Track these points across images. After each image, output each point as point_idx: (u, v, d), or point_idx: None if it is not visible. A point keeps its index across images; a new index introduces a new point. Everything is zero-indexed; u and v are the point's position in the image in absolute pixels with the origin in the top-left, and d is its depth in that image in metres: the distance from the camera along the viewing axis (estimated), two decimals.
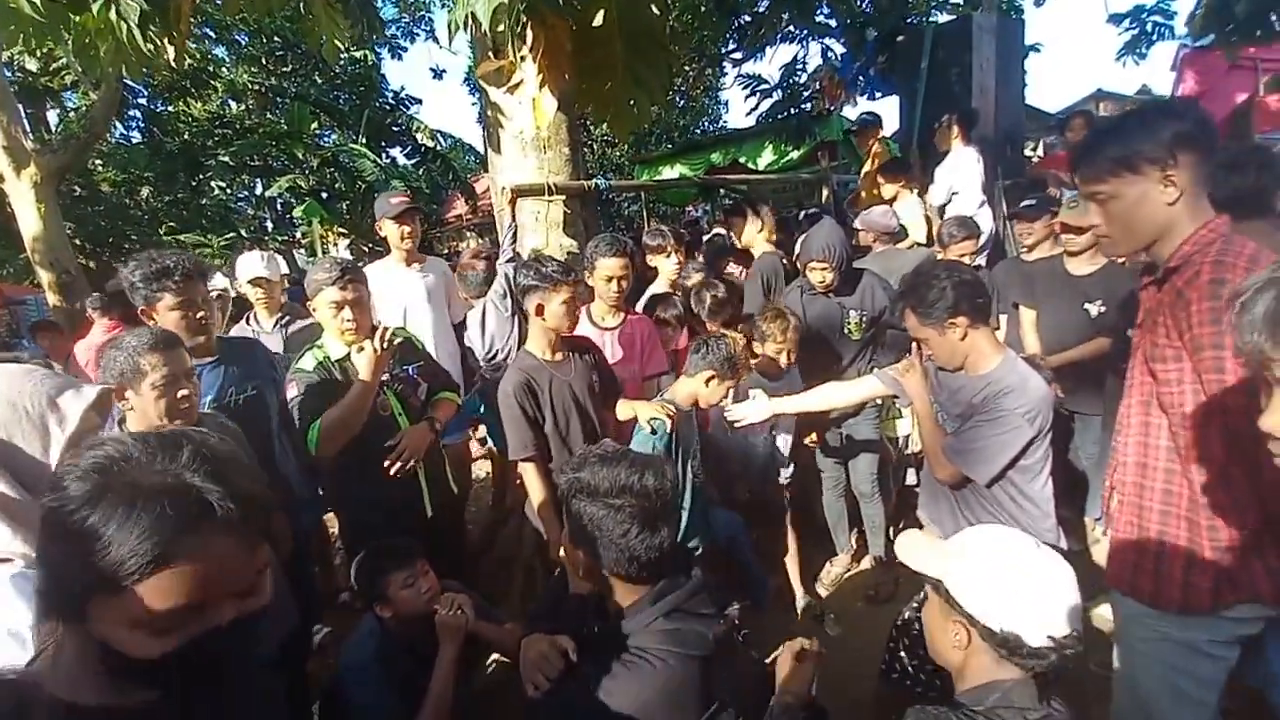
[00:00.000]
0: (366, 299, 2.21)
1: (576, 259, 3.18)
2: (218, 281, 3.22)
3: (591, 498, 1.17)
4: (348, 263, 2.22)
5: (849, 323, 2.80)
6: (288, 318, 3.28)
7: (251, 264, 3.22)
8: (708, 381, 2.16)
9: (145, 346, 1.69)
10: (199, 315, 2.10)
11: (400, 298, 3.20)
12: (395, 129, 15.01)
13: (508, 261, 3.19)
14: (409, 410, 2.29)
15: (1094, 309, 2.83)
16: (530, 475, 2.23)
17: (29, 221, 6.97)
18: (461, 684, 1.87)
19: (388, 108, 15.52)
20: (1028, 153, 6.66)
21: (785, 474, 2.85)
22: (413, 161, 15.04)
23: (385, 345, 2.09)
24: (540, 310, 2.20)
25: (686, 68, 9.59)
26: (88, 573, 0.63)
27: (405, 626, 1.90)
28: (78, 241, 11.60)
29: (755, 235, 3.62)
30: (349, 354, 2.18)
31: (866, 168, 5.20)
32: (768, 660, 1.46)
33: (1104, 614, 2.68)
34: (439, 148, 14.67)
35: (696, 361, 2.18)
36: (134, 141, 14.78)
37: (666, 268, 3.27)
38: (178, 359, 1.74)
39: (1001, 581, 1.06)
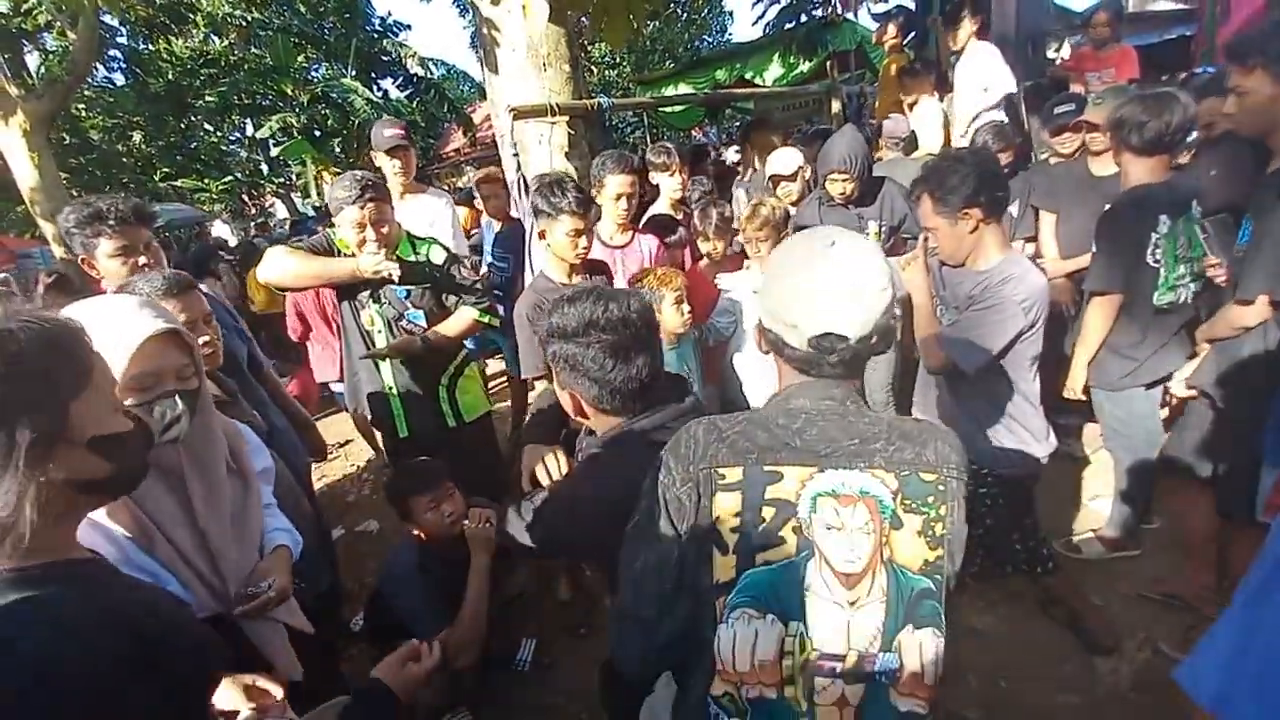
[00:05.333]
0: (390, 215, 2.17)
1: (583, 180, 3.11)
2: (218, 229, 3.17)
3: (564, 339, 1.19)
4: (369, 179, 2.13)
5: (868, 234, 2.75)
6: None
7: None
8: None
9: (159, 293, 1.59)
10: (142, 262, 1.92)
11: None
12: (385, 59, 14.43)
13: (521, 188, 3.15)
14: (392, 334, 2.27)
15: None
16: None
17: (24, 172, 6.88)
18: (494, 590, 1.96)
19: (375, 35, 14.84)
20: (1050, 54, 6.30)
21: None
22: (406, 94, 14.55)
23: (388, 272, 2.09)
24: (543, 235, 2.18)
25: None
26: None
27: (438, 541, 1.98)
28: (74, 192, 11.47)
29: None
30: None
31: (884, 71, 4.96)
32: None
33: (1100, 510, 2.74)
34: (432, 77, 14.13)
35: None
36: (118, 84, 14.32)
37: (669, 186, 3.17)
38: (195, 304, 1.68)
39: (772, 283, 1.00)
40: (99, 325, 1.09)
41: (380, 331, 2.25)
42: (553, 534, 1.29)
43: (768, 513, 0.91)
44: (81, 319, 1.07)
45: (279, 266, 2.13)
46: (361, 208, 2.05)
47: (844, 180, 2.64)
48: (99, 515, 1.12)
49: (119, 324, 1.13)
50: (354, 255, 2.16)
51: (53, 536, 0.79)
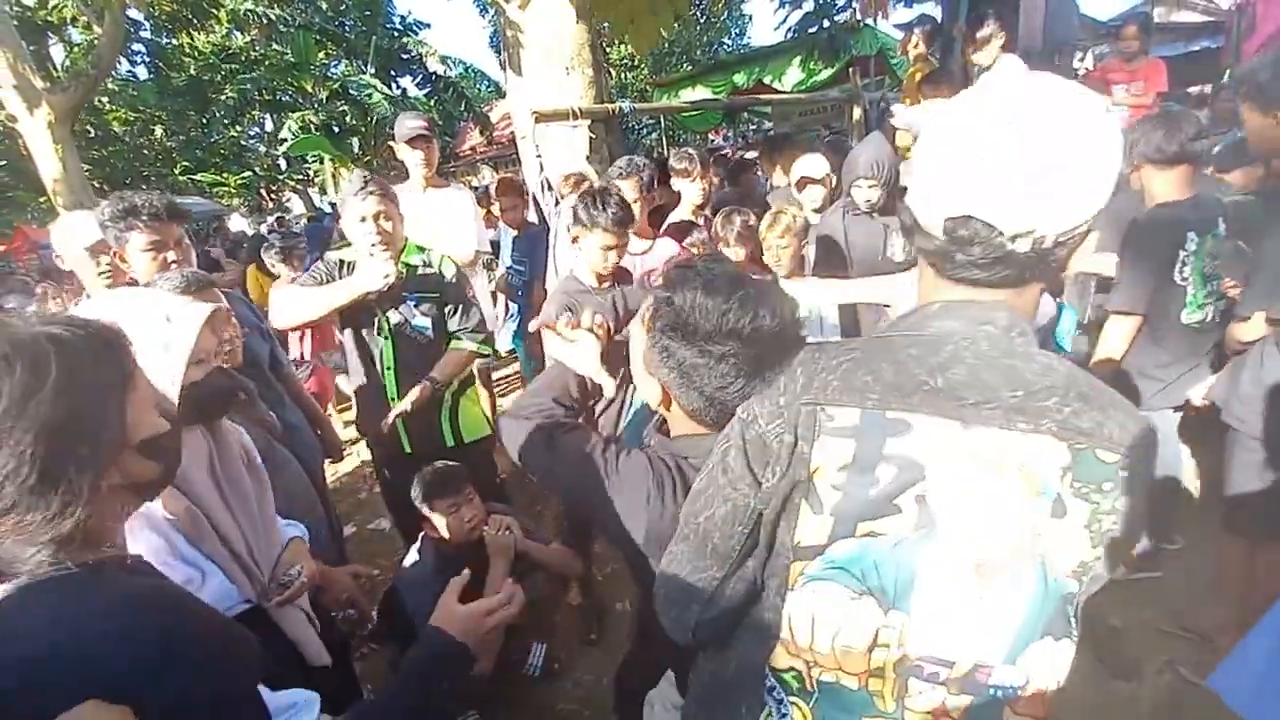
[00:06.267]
0: (395, 215, 2.15)
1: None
2: (235, 223, 3.19)
3: (688, 340, 0.91)
4: (376, 178, 2.13)
5: (893, 244, 2.72)
6: None
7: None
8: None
9: (178, 291, 1.63)
10: (170, 258, 1.97)
11: (424, 224, 3.15)
12: (404, 57, 14.54)
13: (545, 190, 3.14)
14: (397, 346, 2.23)
15: None
16: None
17: (48, 163, 6.96)
18: None
19: (395, 33, 14.95)
20: (1075, 64, 6.24)
21: None
22: (424, 92, 14.66)
23: (389, 275, 2.05)
24: (576, 240, 2.19)
25: None
26: None
27: (456, 546, 1.98)
28: (96, 184, 11.63)
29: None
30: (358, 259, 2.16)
31: (908, 79, 4.93)
32: None
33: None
34: (450, 75, 14.22)
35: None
36: (140, 78, 14.53)
37: (690, 193, 3.15)
38: (213, 301, 1.65)
39: (928, 133, 0.73)
40: (154, 311, 1.13)
41: (386, 338, 2.22)
42: (543, 465, 1.13)
43: (884, 473, 0.70)
44: (132, 308, 1.10)
45: (287, 309, 2.12)
46: (364, 200, 2.04)
47: (870, 187, 2.61)
48: (152, 505, 1.13)
49: (175, 309, 1.16)
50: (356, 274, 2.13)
51: (111, 533, 0.80)
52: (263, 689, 0.99)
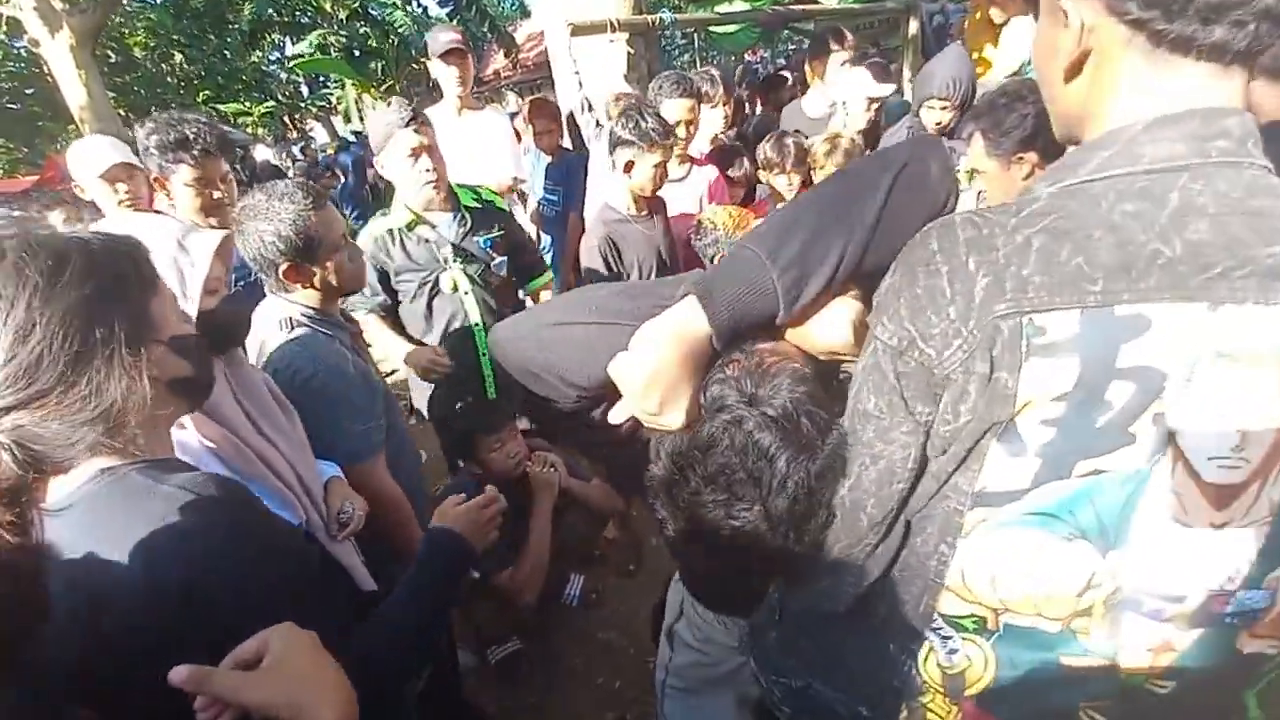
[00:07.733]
0: (437, 147, 2.02)
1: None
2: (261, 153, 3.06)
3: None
4: (414, 107, 1.98)
5: (958, 169, 2.52)
6: None
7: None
8: None
9: (308, 207, 1.44)
10: (215, 195, 1.87)
11: (459, 148, 3.00)
12: None
13: (584, 110, 2.92)
14: (482, 286, 2.12)
15: None
16: None
17: (72, 90, 6.91)
18: (554, 533, 1.96)
19: None
20: None
21: None
22: (446, 10, 14.00)
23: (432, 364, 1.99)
24: (629, 168, 2.02)
25: None
26: None
27: (498, 482, 1.97)
28: (120, 112, 11.54)
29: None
30: (410, 220, 1.99)
31: None
32: None
33: None
34: None
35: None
36: (157, 1, 14.16)
37: (712, 118, 2.86)
38: (335, 221, 1.53)
39: None
40: (169, 237, 1.09)
41: (467, 292, 2.08)
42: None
43: (1118, 394, 0.51)
44: (146, 231, 1.06)
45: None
46: (415, 132, 1.88)
47: (943, 109, 2.35)
48: (187, 435, 1.11)
49: (188, 235, 1.12)
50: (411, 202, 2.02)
51: (159, 437, 0.82)
52: None
